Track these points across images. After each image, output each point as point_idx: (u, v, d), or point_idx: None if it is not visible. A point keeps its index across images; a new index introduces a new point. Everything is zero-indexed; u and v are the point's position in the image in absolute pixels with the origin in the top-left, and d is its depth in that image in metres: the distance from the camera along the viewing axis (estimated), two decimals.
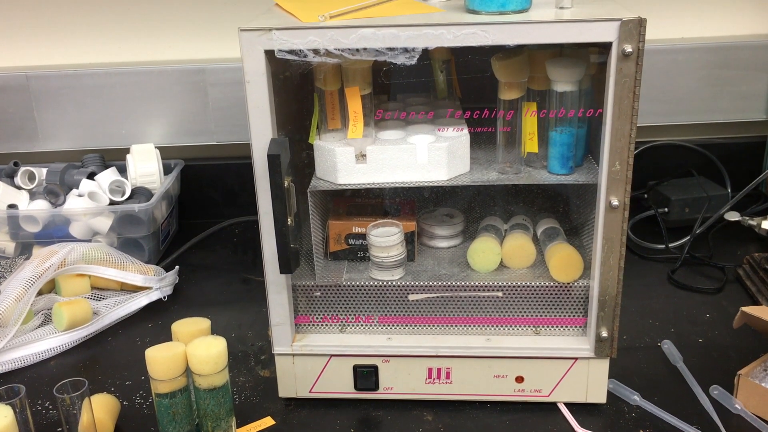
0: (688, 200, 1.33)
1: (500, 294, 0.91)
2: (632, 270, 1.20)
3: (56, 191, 1.28)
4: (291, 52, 0.78)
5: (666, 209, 1.34)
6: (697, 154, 1.43)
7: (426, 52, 0.79)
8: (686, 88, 1.40)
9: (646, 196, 1.40)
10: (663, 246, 1.28)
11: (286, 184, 0.80)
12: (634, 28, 0.74)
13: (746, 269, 1.18)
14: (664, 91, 1.39)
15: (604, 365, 0.89)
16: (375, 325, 0.93)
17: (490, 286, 0.90)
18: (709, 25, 1.41)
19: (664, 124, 1.43)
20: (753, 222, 1.27)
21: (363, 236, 0.94)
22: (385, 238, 0.90)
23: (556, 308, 0.91)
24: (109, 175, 1.31)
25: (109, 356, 1.06)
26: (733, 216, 1.27)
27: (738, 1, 1.40)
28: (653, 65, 1.35)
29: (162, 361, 0.81)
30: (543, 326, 0.91)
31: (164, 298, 1.19)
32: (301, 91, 0.94)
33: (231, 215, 1.45)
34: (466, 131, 0.89)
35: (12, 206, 1.27)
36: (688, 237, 1.26)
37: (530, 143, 0.89)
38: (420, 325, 0.93)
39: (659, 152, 1.44)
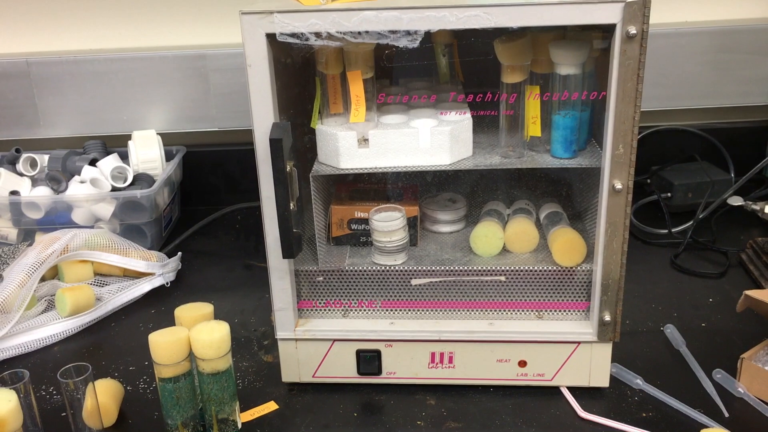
0: (691, 185, 1.33)
1: (503, 278, 0.90)
2: (635, 255, 1.20)
3: (58, 178, 1.28)
4: (292, 35, 0.78)
5: (669, 194, 1.33)
6: (700, 138, 1.42)
7: (428, 36, 0.79)
8: (689, 72, 1.39)
9: (648, 180, 1.40)
10: (666, 231, 1.28)
11: (288, 168, 0.80)
12: (639, 10, 0.74)
13: (749, 254, 1.18)
14: (667, 75, 1.39)
15: (607, 349, 0.89)
16: (378, 310, 0.93)
17: (493, 271, 0.90)
18: (713, 8, 1.40)
19: (667, 108, 1.42)
20: (756, 207, 1.26)
21: (365, 221, 0.94)
22: (388, 222, 0.90)
23: (559, 292, 0.91)
24: (111, 162, 1.31)
25: (113, 342, 1.07)
26: (736, 201, 1.27)
27: None
28: (656, 49, 1.35)
29: (165, 346, 0.81)
30: (546, 310, 0.91)
31: (167, 284, 1.20)
32: (303, 75, 0.94)
33: (233, 201, 1.45)
34: (468, 115, 0.89)
35: (14, 193, 1.27)
36: (691, 222, 1.26)
37: (533, 127, 0.88)
38: (423, 310, 0.92)
39: (662, 137, 1.43)
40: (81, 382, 0.78)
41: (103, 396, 0.87)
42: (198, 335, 0.81)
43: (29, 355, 1.04)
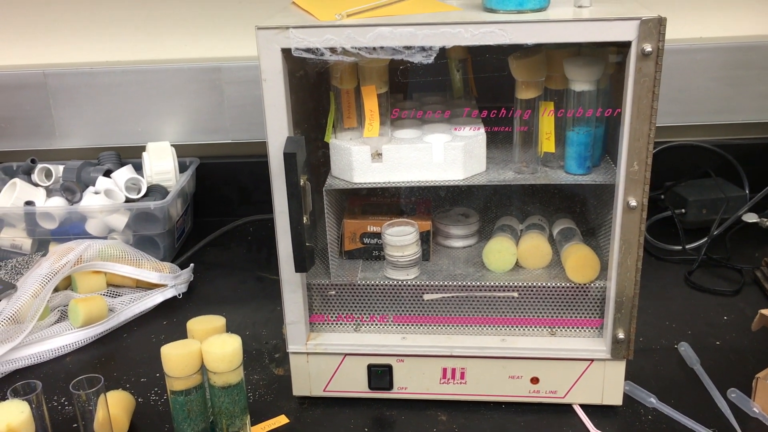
0: (706, 201, 1.32)
1: (516, 294, 0.90)
2: (649, 271, 1.19)
3: (73, 188, 1.29)
4: (308, 50, 0.78)
5: (683, 210, 1.33)
6: (714, 154, 1.42)
7: (443, 51, 0.79)
8: (704, 87, 1.38)
9: (663, 196, 1.39)
10: (680, 247, 1.27)
11: (301, 182, 0.80)
12: (654, 27, 0.74)
13: (764, 271, 1.17)
14: (681, 91, 1.38)
15: (620, 367, 0.89)
16: (389, 325, 0.93)
17: (506, 287, 0.90)
18: (728, 24, 1.40)
19: (681, 124, 1.42)
20: None
21: (378, 235, 0.94)
22: (401, 237, 0.90)
23: (572, 309, 0.90)
24: (125, 173, 1.32)
25: (125, 353, 1.07)
26: (751, 217, 1.26)
27: (757, 1, 1.38)
28: (671, 65, 1.34)
29: (177, 359, 0.81)
30: (559, 327, 0.91)
31: (179, 295, 1.20)
32: (318, 89, 0.94)
33: (246, 213, 1.45)
34: (482, 130, 0.89)
35: (29, 203, 1.28)
36: (706, 238, 1.25)
37: (547, 143, 0.88)
38: (435, 325, 0.92)
39: (676, 153, 1.43)
40: (93, 394, 0.78)
41: (114, 408, 0.87)
42: (210, 348, 0.81)
43: (42, 365, 1.04)
